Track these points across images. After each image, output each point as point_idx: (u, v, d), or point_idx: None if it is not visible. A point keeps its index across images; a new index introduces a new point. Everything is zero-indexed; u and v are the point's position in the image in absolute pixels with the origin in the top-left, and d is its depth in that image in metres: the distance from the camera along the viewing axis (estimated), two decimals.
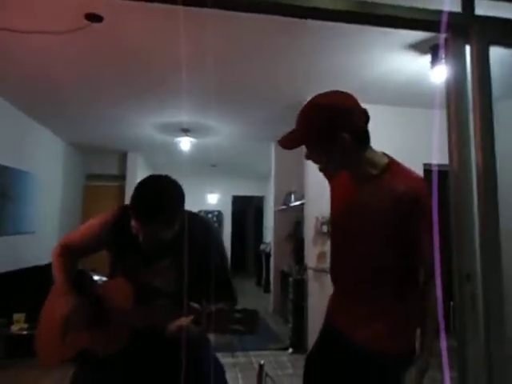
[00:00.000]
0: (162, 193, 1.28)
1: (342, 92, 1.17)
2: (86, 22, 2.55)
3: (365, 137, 1.18)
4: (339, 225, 1.31)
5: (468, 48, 1.27)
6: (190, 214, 1.41)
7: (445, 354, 1.08)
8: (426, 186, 1.18)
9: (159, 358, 1.35)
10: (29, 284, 3.90)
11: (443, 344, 1.06)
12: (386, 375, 1.16)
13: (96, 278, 1.50)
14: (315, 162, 1.22)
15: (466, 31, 1.23)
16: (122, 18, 2.57)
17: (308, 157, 1.21)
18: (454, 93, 1.26)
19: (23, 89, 3.92)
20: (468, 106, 1.23)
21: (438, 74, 2.73)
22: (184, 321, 1.21)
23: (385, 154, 1.25)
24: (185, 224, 1.31)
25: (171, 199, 1.30)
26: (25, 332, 3.31)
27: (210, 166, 8.04)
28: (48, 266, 4.90)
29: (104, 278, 1.51)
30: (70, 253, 1.46)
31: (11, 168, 4.38)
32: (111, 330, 1.31)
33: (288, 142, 1.20)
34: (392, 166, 1.21)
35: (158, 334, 1.28)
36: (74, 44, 2.90)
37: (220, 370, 1.44)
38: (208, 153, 6.56)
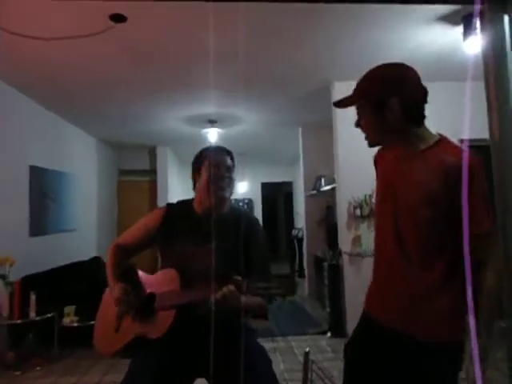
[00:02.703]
0: None
1: (408, 66, 1.19)
2: (110, 23, 2.60)
3: (417, 113, 1.17)
4: (384, 202, 1.26)
5: (506, 18, 1.21)
6: (234, 205, 1.61)
7: (473, 332, 1.03)
8: (478, 160, 1.12)
9: (208, 337, 1.40)
10: (76, 278, 4.12)
11: (471, 322, 1.01)
12: (434, 365, 1.11)
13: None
14: (363, 128, 1.24)
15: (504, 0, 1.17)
16: (146, 16, 2.60)
17: (357, 124, 1.25)
18: (493, 66, 1.20)
19: (56, 92, 4.07)
20: (508, 77, 1.18)
21: (472, 45, 2.60)
22: (227, 288, 1.27)
23: (439, 134, 1.22)
24: (231, 212, 1.51)
25: None
26: (75, 324, 3.49)
27: (237, 154, 8.01)
28: (91, 261, 5.15)
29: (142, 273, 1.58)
30: (122, 250, 1.55)
31: (50, 170, 4.59)
32: (159, 314, 1.38)
33: (342, 102, 1.25)
34: (442, 141, 1.19)
35: (205, 310, 1.33)
36: (102, 45, 2.97)
37: (268, 361, 1.47)
38: (235, 142, 6.58)
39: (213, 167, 1.48)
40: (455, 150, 1.15)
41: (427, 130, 1.21)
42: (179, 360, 1.41)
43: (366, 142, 1.31)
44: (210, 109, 4.81)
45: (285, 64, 3.54)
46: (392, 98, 1.13)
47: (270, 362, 1.47)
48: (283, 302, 4.84)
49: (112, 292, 1.45)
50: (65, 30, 2.67)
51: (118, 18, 2.56)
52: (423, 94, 1.17)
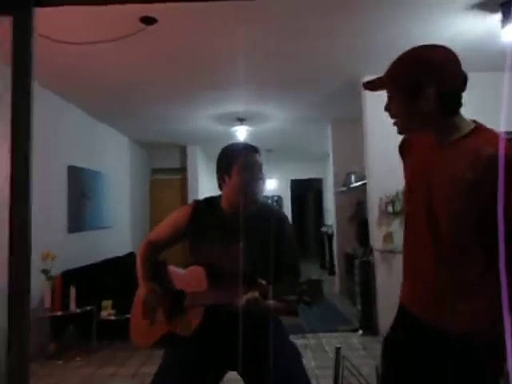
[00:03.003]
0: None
1: (448, 49, 1.10)
2: (141, 25, 2.68)
3: (454, 101, 1.09)
4: (417, 191, 1.19)
5: None
6: (263, 202, 1.58)
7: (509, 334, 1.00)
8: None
9: (236, 335, 1.43)
10: (112, 273, 4.28)
11: (507, 324, 0.98)
12: (467, 359, 1.07)
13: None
14: (393, 114, 1.16)
15: None
16: (176, 18, 2.66)
17: (387, 107, 1.17)
18: None
19: (91, 94, 4.23)
20: None
21: (510, 33, 2.49)
22: (251, 295, 1.27)
23: (475, 122, 1.13)
24: (259, 210, 1.48)
25: None
26: (112, 317, 3.63)
27: (265, 151, 8.09)
28: (126, 256, 5.30)
29: (176, 269, 1.63)
30: (153, 247, 1.60)
31: (86, 169, 4.78)
32: (188, 312, 1.41)
33: (372, 85, 1.16)
34: (478, 129, 1.10)
35: (232, 311, 1.35)
36: (134, 47, 3.06)
37: (297, 354, 1.48)
38: (264, 139, 6.60)
39: (245, 170, 1.45)
40: (492, 138, 1.07)
41: (462, 117, 1.13)
42: (208, 356, 1.44)
43: (396, 137, 1.27)
44: (238, 107, 4.85)
45: (313, 59, 3.50)
46: (428, 87, 1.05)
47: (299, 355, 1.48)
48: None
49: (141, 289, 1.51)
50: (98, 34, 2.77)
51: (148, 21, 2.63)
52: (463, 80, 1.08)
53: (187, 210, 1.56)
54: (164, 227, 1.61)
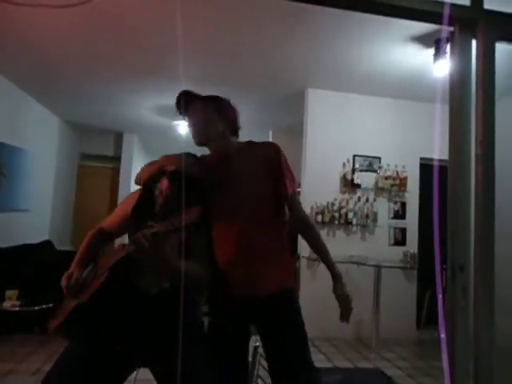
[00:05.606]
0: None
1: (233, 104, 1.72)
2: None
3: (234, 129, 1.65)
4: (228, 191, 1.52)
5: (474, 42, 1.27)
6: None
7: (444, 345, 1.10)
8: (279, 147, 1.61)
9: (144, 308, 1.36)
10: (22, 261, 3.90)
11: (442, 336, 1.08)
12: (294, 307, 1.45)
13: None
14: (195, 131, 1.63)
15: (474, 25, 1.23)
16: None
17: (194, 133, 1.64)
18: (458, 87, 1.26)
19: (20, 63, 3.85)
20: (471, 101, 1.23)
21: (441, 68, 2.72)
22: (142, 233, 1.23)
23: (248, 141, 1.66)
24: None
25: None
26: (17, 308, 3.31)
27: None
28: (41, 244, 4.82)
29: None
30: (103, 235, 1.53)
31: (6, 144, 4.33)
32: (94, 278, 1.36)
33: (191, 103, 1.68)
34: (252, 142, 1.64)
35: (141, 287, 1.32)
36: (74, 20, 2.85)
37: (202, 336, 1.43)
38: None
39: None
40: (261, 144, 1.62)
41: (238, 140, 1.66)
42: (115, 325, 1.34)
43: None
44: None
45: (259, 66, 3.55)
46: (223, 119, 1.61)
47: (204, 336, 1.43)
48: None
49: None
50: None
51: None
52: (237, 123, 1.68)
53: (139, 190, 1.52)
54: (117, 212, 1.54)
